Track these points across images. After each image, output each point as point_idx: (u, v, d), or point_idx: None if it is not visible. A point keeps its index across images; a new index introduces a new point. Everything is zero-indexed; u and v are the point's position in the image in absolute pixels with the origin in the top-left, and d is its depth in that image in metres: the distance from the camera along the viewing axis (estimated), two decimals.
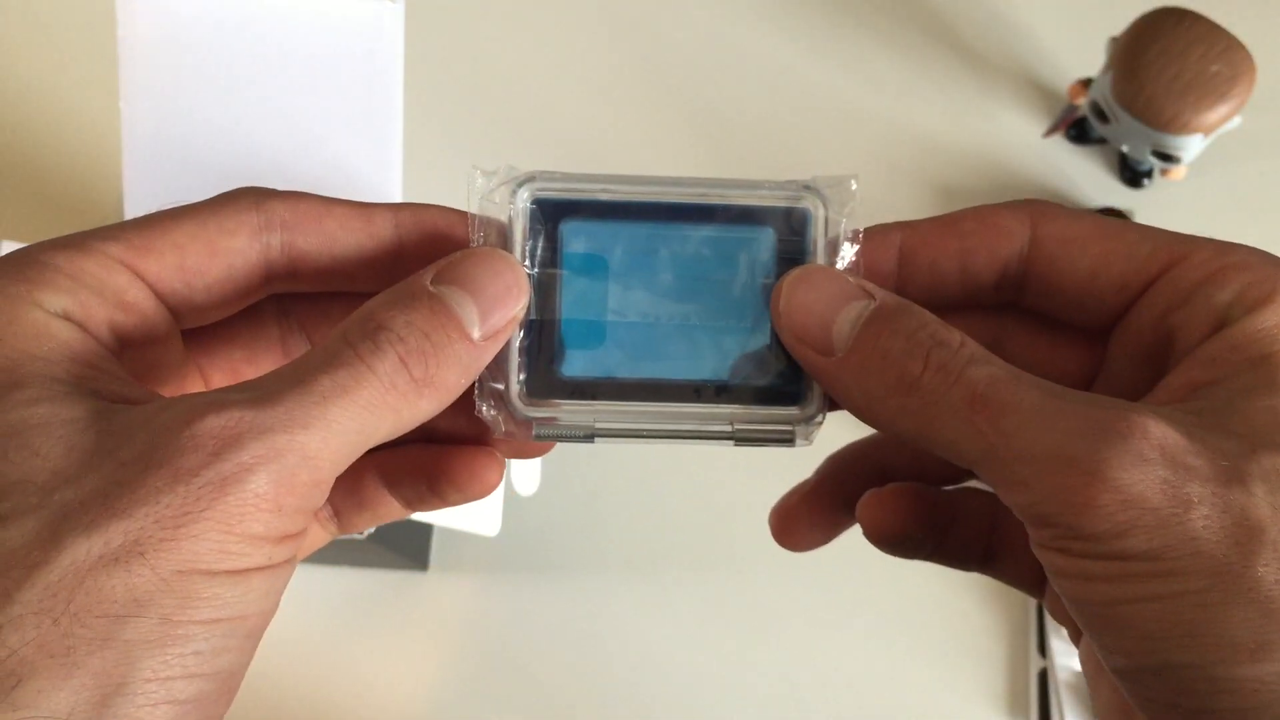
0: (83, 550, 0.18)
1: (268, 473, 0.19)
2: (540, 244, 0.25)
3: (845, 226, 0.25)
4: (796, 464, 0.48)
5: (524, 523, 0.54)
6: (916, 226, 0.25)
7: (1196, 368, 0.22)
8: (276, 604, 0.21)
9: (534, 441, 0.25)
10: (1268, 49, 0.57)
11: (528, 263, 0.24)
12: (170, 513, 0.18)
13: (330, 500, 0.26)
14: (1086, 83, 0.60)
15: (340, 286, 0.25)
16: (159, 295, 0.23)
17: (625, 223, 0.25)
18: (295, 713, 0.52)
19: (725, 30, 0.66)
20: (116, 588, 0.18)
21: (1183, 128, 0.56)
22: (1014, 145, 0.63)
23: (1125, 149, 0.60)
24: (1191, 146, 0.57)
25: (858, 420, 0.24)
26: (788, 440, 0.25)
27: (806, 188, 0.25)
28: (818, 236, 0.25)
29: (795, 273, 0.24)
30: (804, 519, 0.29)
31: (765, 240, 0.25)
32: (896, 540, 0.27)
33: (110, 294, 0.22)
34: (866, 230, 0.25)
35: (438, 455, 0.26)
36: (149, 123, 0.37)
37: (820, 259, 0.25)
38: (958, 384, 0.21)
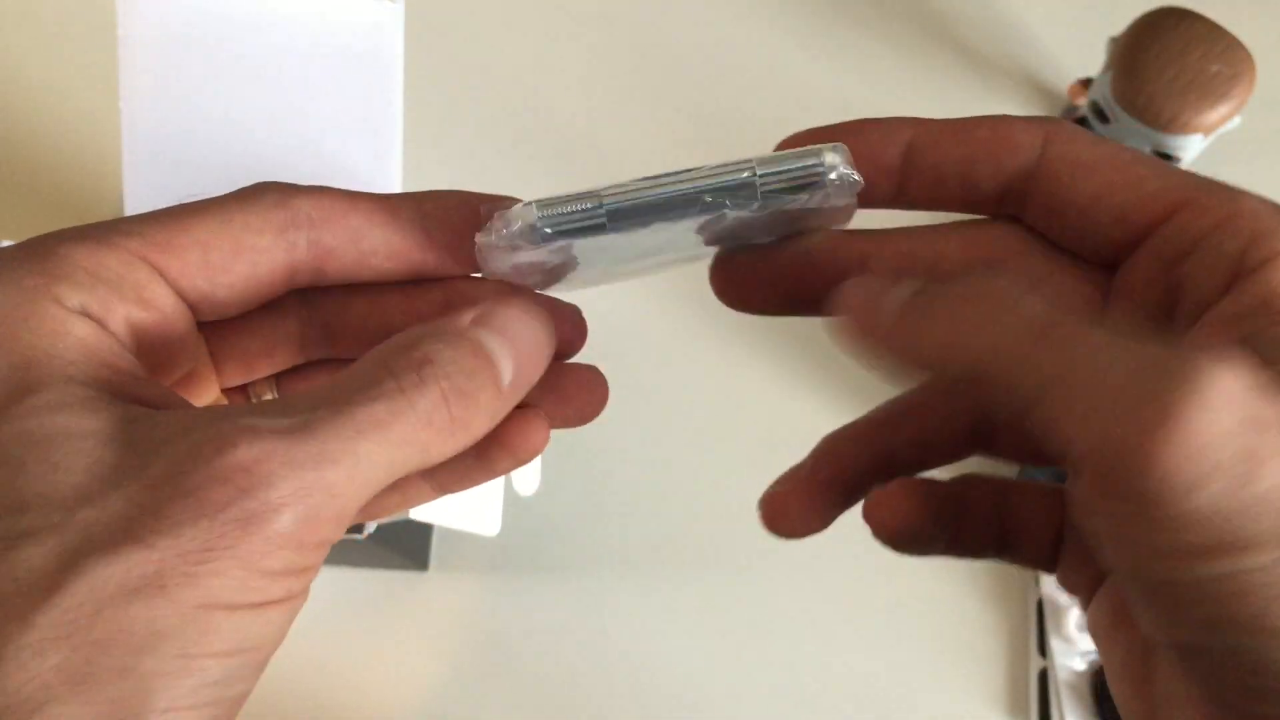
0: (102, 577, 0.18)
1: (293, 513, 0.19)
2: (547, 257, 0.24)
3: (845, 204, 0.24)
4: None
5: (524, 523, 0.54)
6: (928, 126, 0.24)
7: (1223, 326, 0.21)
8: (287, 631, 0.20)
9: (542, 243, 0.23)
10: (1268, 49, 0.57)
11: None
12: (193, 547, 0.18)
13: None
14: (1086, 83, 0.60)
15: (366, 279, 0.24)
16: (179, 292, 0.22)
17: (628, 231, 0.23)
18: (295, 713, 0.52)
19: (725, 30, 0.66)
20: (137, 619, 0.18)
21: (1183, 128, 0.56)
22: None
23: None
24: (1191, 146, 0.57)
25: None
26: (818, 178, 0.22)
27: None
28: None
29: (840, 293, 0.23)
30: (797, 505, 0.27)
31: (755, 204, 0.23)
32: (908, 539, 0.26)
33: (130, 290, 0.21)
34: (875, 121, 0.24)
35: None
36: (149, 122, 0.37)
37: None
38: (1015, 310, 0.20)
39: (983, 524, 0.27)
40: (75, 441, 0.19)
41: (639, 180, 0.23)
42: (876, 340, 0.23)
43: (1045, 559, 0.27)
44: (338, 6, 0.36)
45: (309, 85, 0.37)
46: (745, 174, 0.22)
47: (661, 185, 0.23)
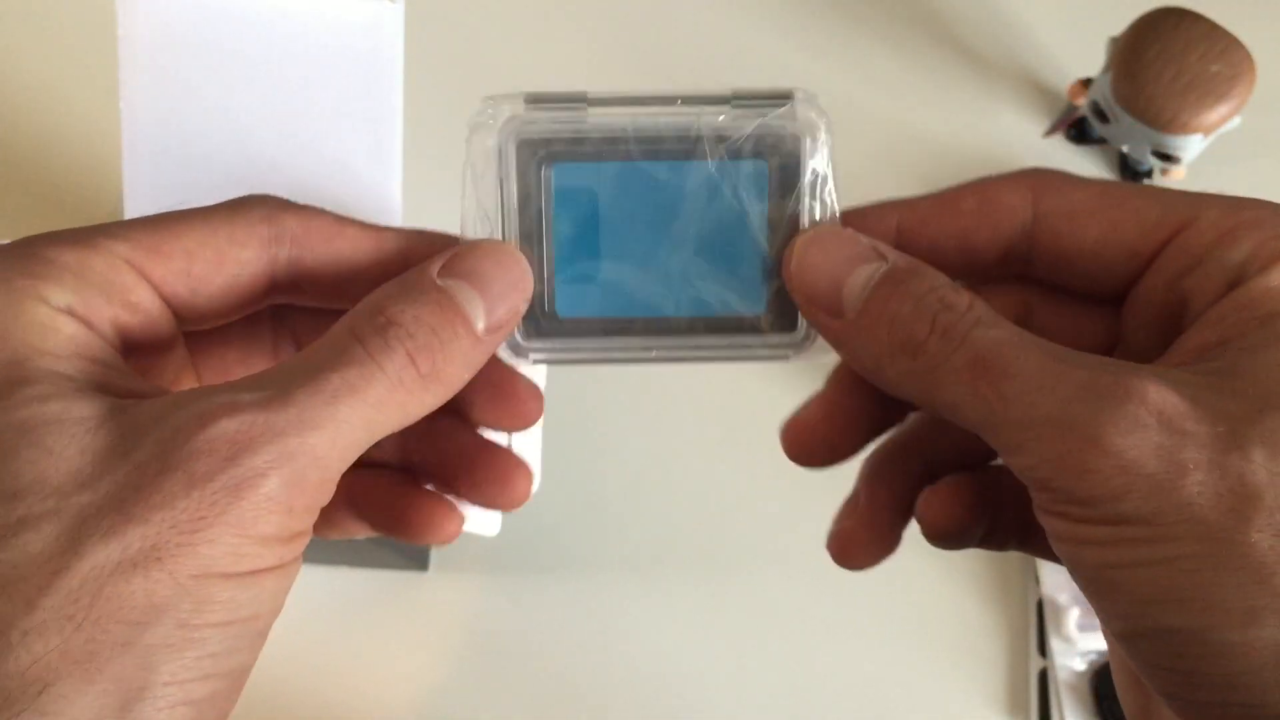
0: (102, 556, 0.18)
1: (280, 476, 0.19)
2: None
3: (826, 151, 0.25)
4: (794, 466, 0.47)
5: (524, 523, 0.54)
6: (915, 206, 0.25)
7: (1208, 328, 0.22)
8: (284, 602, 0.21)
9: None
10: (1268, 49, 0.57)
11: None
12: (186, 518, 0.19)
13: (353, 498, 0.26)
14: (1086, 83, 0.60)
15: (341, 304, 0.24)
16: (163, 297, 0.23)
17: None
18: (295, 712, 0.52)
19: (726, 30, 0.66)
20: (136, 593, 0.18)
21: (1183, 128, 0.56)
22: (1014, 145, 0.63)
23: (1125, 149, 0.60)
24: (1191, 146, 0.57)
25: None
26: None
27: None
28: (806, 163, 0.25)
29: (807, 235, 0.24)
30: (865, 537, 0.28)
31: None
32: (956, 536, 0.27)
33: (115, 293, 0.22)
34: (863, 209, 0.25)
35: (401, 496, 0.26)
36: (149, 123, 0.37)
37: (807, 183, 0.25)
38: (961, 348, 0.21)
39: (1013, 515, 0.27)
40: (66, 429, 0.19)
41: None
42: (827, 328, 0.24)
43: None
44: (338, 6, 0.36)
45: (309, 85, 0.37)
46: (721, 91, 0.25)
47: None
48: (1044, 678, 0.53)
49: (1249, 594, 0.19)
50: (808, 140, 0.25)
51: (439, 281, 0.22)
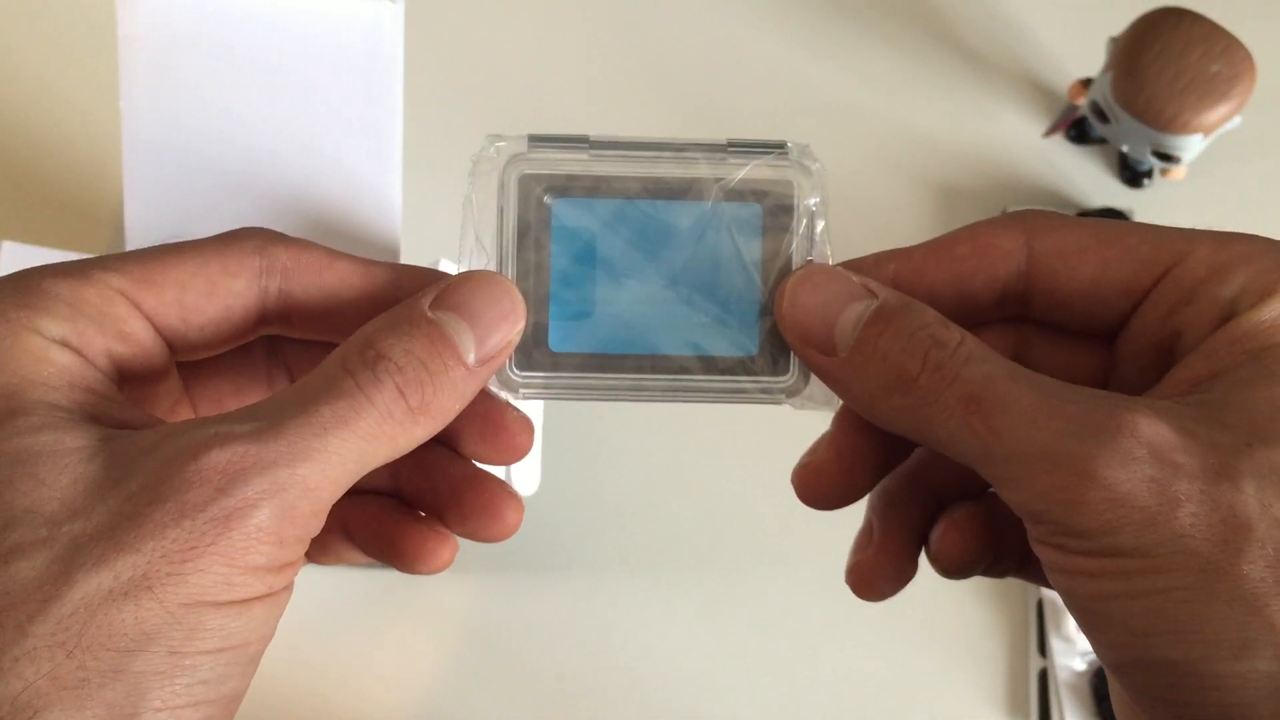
0: (93, 584, 0.18)
1: (270, 507, 0.19)
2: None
3: (818, 196, 0.25)
4: (794, 466, 0.47)
5: (524, 523, 0.54)
6: (910, 255, 0.25)
7: (1200, 361, 0.22)
8: (275, 628, 0.21)
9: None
10: (1268, 49, 0.57)
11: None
12: (177, 547, 0.19)
13: (346, 524, 0.27)
14: (1086, 83, 0.60)
15: (330, 337, 0.25)
16: (157, 328, 0.23)
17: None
18: (295, 712, 0.52)
19: (725, 30, 0.66)
20: (126, 621, 0.18)
21: (1183, 128, 0.56)
22: (1014, 145, 0.63)
23: (1125, 149, 0.60)
24: (1191, 146, 0.57)
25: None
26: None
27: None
28: (799, 206, 0.25)
29: (798, 273, 0.25)
30: (884, 569, 0.28)
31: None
32: (968, 568, 0.27)
33: (109, 324, 0.22)
34: (859, 261, 0.26)
35: (394, 525, 0.27)
36: (149, 123, 0.37)
37: (801, 227, 0.25)
38: (954, 384, 0.22)
39: (1010, 542, 0.27)
40: (59, 459, 0.20)
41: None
42: (819, 366, 0.24)
43: None
44: (338, 6, 0.36)
45: (309, 85, 0.37)
46: (718, 142, 0.25)
47: (649, 149, 0.25)
48: (1044, 678, 0.53)
49: (1242, 625, 0.19)
50: (799, 184, 0.25)
51: (430, 314, 0.22)
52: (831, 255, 0.26)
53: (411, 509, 0.27)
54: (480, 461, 0.27)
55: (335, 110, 0.38)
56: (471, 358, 0.22)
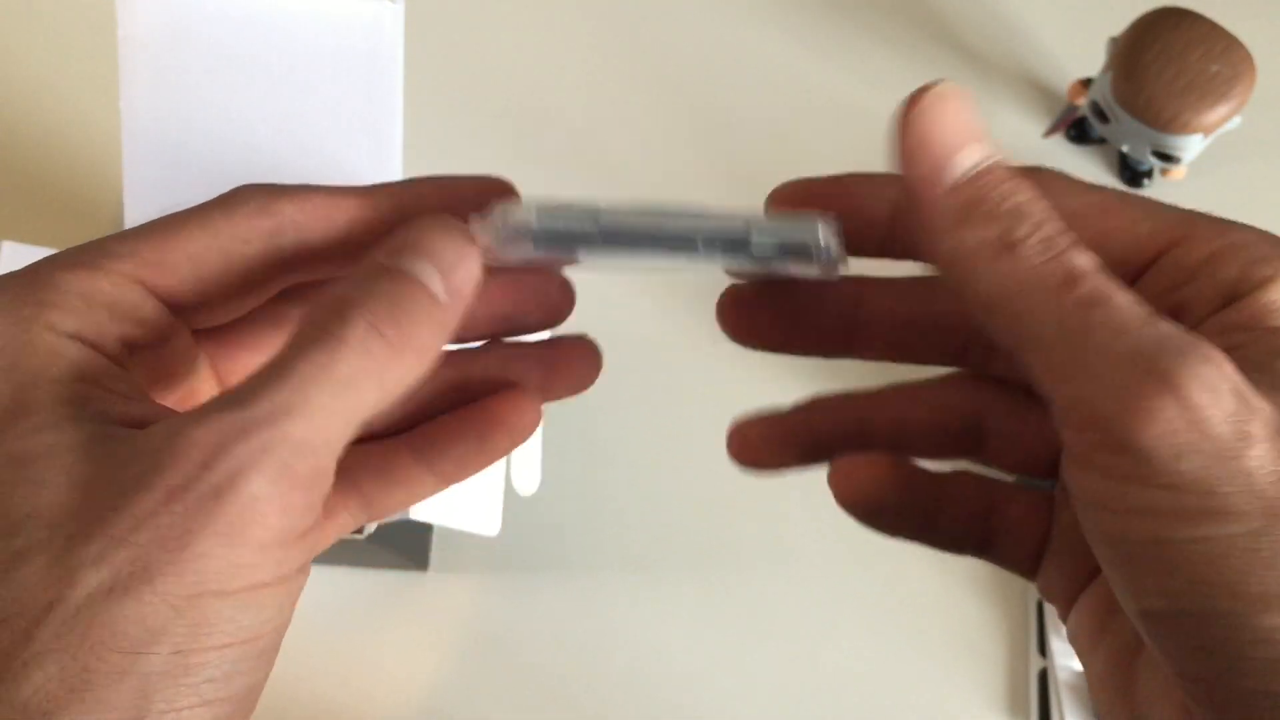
0: (94, 584, 0.18)
1: (262, 472, 0.19)
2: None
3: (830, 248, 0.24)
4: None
5: (524, 523, 0.54)
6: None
7: (1215, 336, 0.22)
8: (290, 618, 0.20)
9: (537, 253, 0.23)
10: (1268, 49, 0.57)
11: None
12: (171, 534, 0.18)
13: (360, 486, 0.25)
14: (1086, 83, 0.60)
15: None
16: (173, 308, 0.23)
17: (613, 252, 0.23)
18: (294, 713, 0.52)
19: (725, 30, 0.66)
20: (129, 619, 0.18)
21: (1183, 128, 0.56)
22: (1014, 145, 0.63)
23: (1125, 149, 0.60)
24: (1191, 146, 0.57)
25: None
26: (810, 251, 0.23)
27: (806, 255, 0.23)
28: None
29: (936, 88, 0.23)
30: (759, 437, 0.27)
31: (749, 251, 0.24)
32: (868, 510, 0.26)
33: (124, 312, 0.22)
34: (862, 177, 0.25)
35: (475, 411, 0.26)
36: (149, 122, 0.37)
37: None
38: (1059, 260, 0.21)
39: (966, 521, 0.27)
40: (57, 459, 0.19)
41: (641, 206, 0.23)
42: (921, 193, 0.23)
43: (1027, 564, 0.27)
44: (338, 6, 0.36)
45: (309, 85, 0.37)
46: (741, 229, 0.23)
47: (661, 217, 0.23)
48: (1044, 678, 0.53)
49: None
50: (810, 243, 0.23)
51: (385, 260, 0.22)
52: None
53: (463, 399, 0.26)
54: (556, 398, 0.26)
55: (335, 110, 0.38)
56: (440, 290, 0.22)
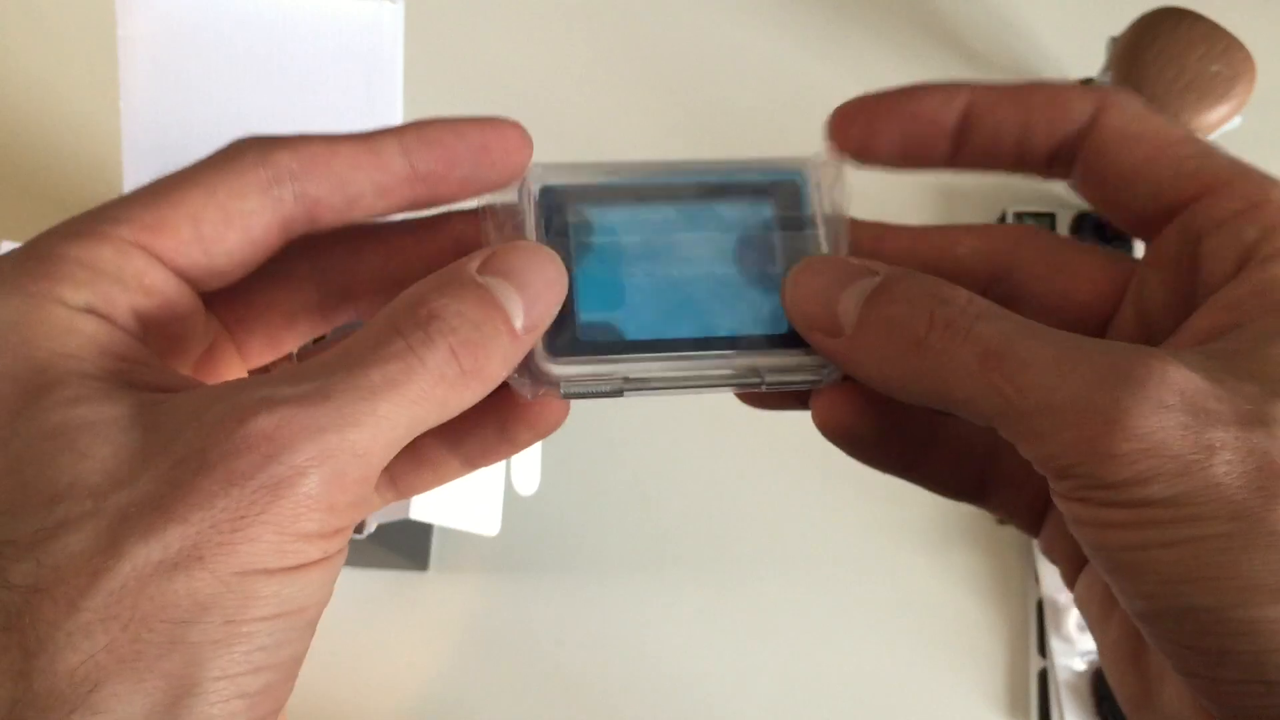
0: (142, 556, 0.18)
1: (320, 474, 0.19)
2: (551, 230, 0.25)
3: (839, 200, 0.26)
4: (794, 466, 0.48)
5: (524, 523, 0.54)
6: (986, 90, 0.25)
7: (1220, 310, 0.22)
8: (332, 590, 0.21)
9: (564, 400, 0.24)
10: (1268, 49, 0.57)
11: (535, 236, 0.25)
12: (226, 517, 0.18)
13: (389, 467, 0.26)
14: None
15: (360, 220, 0.24)
16: (178, 271, 0.22)
17: (633, 205, 0.25)
18: (295, 712, 0.52)
19: (725, 30, 0.66)
20: (179, 592, 0.18)
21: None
22: None
23: None
24: None
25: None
26: (817, 380, 0.25)
27: (796, 161, 0.26)
28: (814, 201, 0.26)
29: (799, 265, 0.25)
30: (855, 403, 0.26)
31: (765, 210, 0.26)
32: (848, 439, 0.26)
33: (130, 280, 0.22)
34: (933, 86, 0.25)
35: (500, 400, 0.25)
36: (149, 122, 0.37)
37: (820, 222, 0.26)
38: (967, 340, 0.21)
39: (961, 463, 0.27)
40: (98, 430, 0.19)
41: (662, 365, 0.25)
42: (829, 349, 0.24)
43: (1026, 518, 0.27)
44: (338, 6, 0.36)
45: (309, 84, 0.37)
46: (756, 380, 0.25)
47: (680, 371, 0.25)
48: (1044, 678, 0.53)
49: (1277, 570, 0.19)
50: (814, 180, 0.26)
51: (478, 278, 0.22)
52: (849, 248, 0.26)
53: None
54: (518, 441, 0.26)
55: (335, 110, 0.38)
56: (519, 323, 0.22)
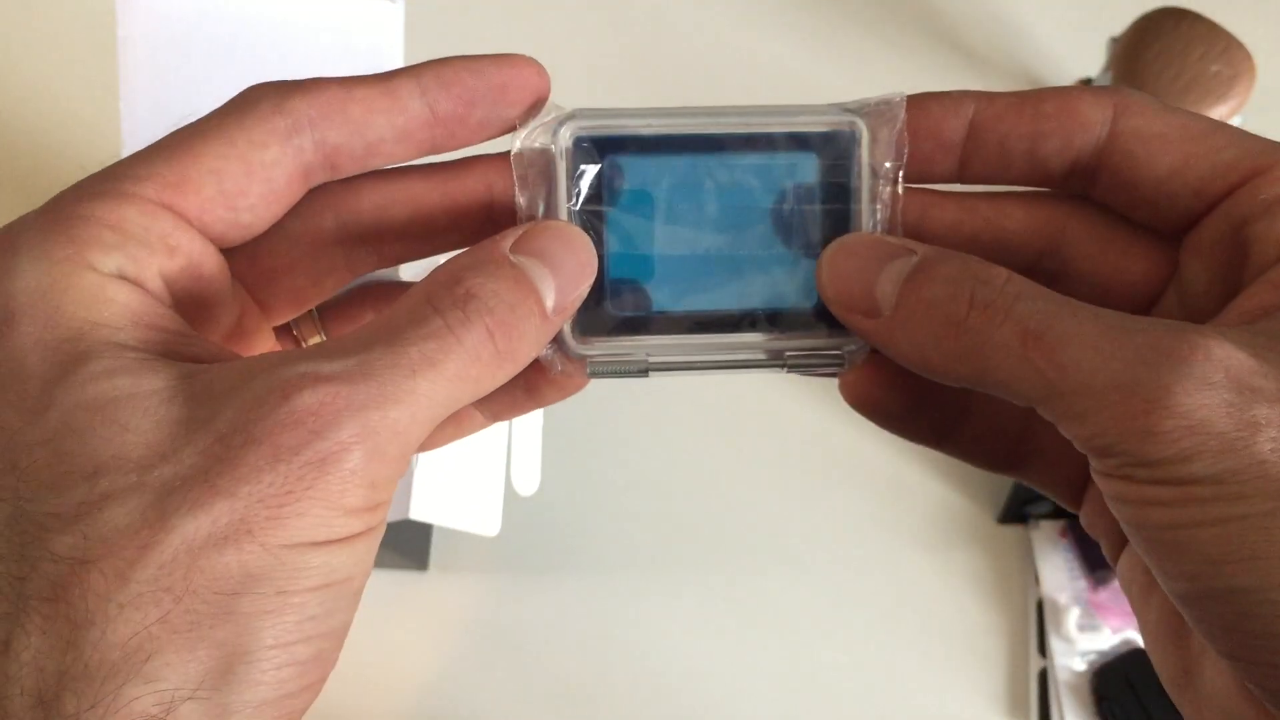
0: (190, 529, 0.18)
1: (363, 450, 0.19)
2: (584, 181, 0.24)
3: (892, 146, 0.24)
4: (795, 467, 0.48)
5: (524, 523, 0.54)
6: (993, 100, 0.24)
7: (1267, 289, 0.22)
8: (373, 561, 0.21)
9: (589, 378, 0.25)
10: (1268, 49, 0.57)
11: (574, 201, 0.24)
12: (273, 491, 0.18)
13: None
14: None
15: (381, 165, 0.24)
16: (202, 228, 0.22)
17: (668, 155, 0.25)
18: None
19: (725, 30, 0.66)
20: (230, 564, 0.18)
21: None
22: None
23: None
24: None
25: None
26: (839, 363, 0.25)
27: (848, 111, 0.25)
28: (862, 158, 0.25)
29: (833, 245, 0.24)
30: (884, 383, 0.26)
31: (809, 165, 0.25)
32: (876, 412, 0.26)
33: (157, 241, 0.21)
34: (938, 95, 0.25)
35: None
36: (149, 123, 0.37)
37: (864, 181, 0.24)
38: (1007, 320, 0.21)
39: (994, 435, 0.26)
40: (139, 402, 0.19)
41: (682, 341, 0.25)
42: (866, 330, 0.23)
43: (1066, 492, 0.27)
44: (338, 6, 0.36)
45: None
46: (777, 357, 0.25)
47: (703, 353, 0.25)
48: (1044, 678, 0.53)
49: None
50: (864, 137, 0.25)
51: (512, 258, 0.22)
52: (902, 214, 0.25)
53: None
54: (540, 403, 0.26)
55: None
56: (550, 305, 0.22)
